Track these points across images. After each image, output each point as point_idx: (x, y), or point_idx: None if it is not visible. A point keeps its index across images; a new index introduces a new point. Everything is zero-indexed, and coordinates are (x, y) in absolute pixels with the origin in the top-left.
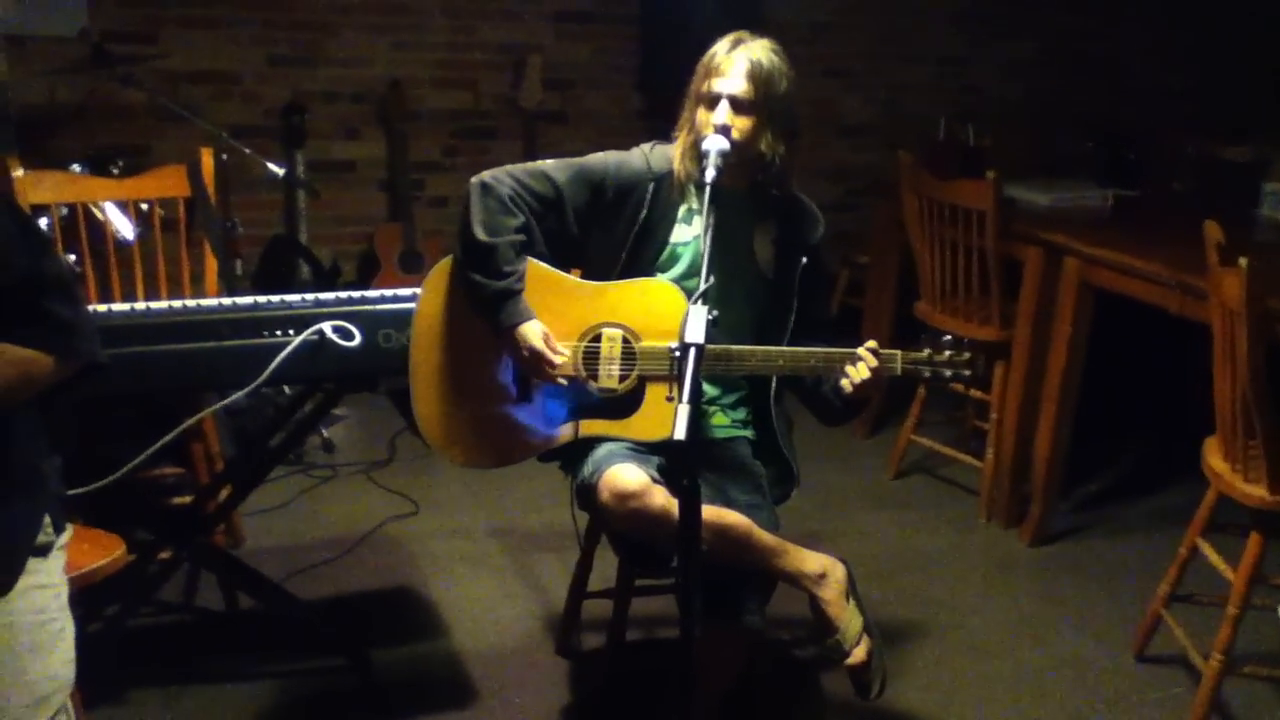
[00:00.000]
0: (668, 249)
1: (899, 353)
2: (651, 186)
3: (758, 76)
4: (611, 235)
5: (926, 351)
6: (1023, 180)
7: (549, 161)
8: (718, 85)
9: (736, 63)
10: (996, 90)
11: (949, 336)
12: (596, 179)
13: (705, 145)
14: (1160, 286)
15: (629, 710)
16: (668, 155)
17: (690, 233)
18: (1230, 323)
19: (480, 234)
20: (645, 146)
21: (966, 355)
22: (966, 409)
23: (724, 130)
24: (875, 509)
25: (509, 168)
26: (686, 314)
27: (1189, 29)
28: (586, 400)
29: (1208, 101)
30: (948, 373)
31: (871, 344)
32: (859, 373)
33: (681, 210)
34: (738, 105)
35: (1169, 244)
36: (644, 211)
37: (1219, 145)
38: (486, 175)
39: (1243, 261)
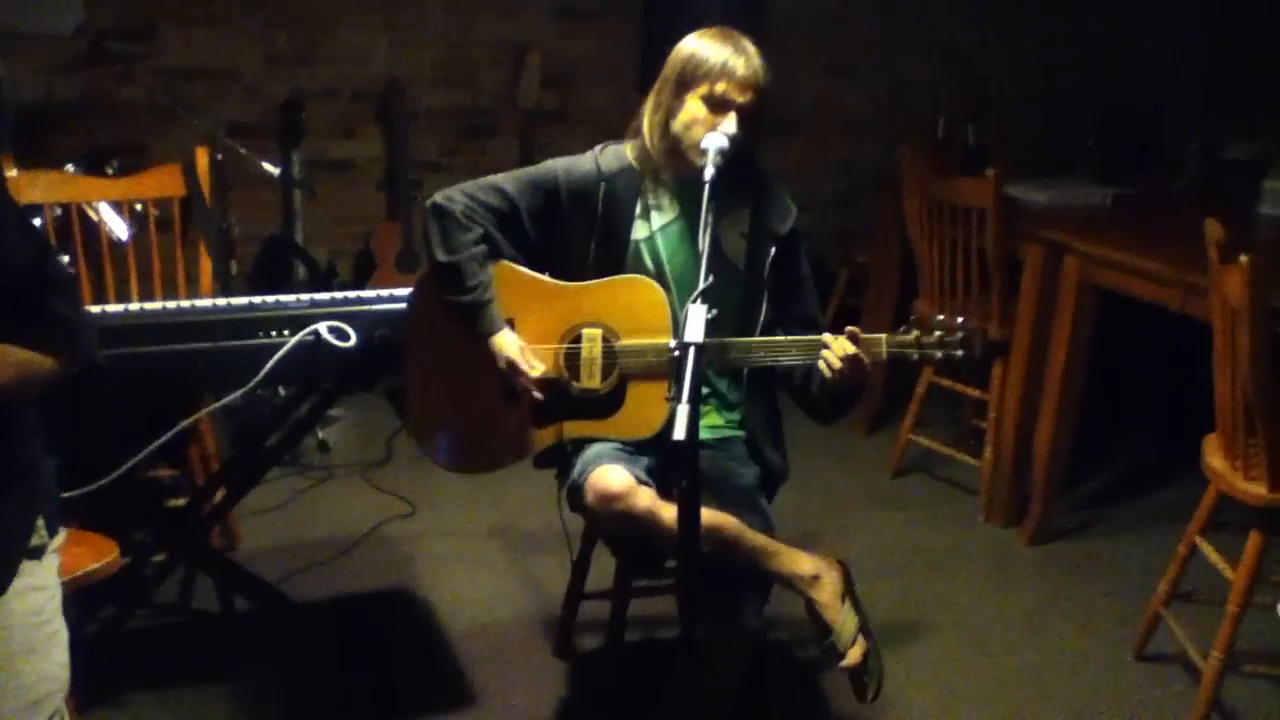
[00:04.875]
0: (631, 246)
1: (884, 336)
2: (603, 187)
3: (761, 87)
4: (573, 242)
5: (914, 334)
6: (1023, 178)
7: (500, 175)
8: (734, 94)
9: (751, 75)
10: (1002, 88)
11: (941, 318)
12: (550, 185)
13: (705, 144)
14: (1160, 284)
15: (628, 711)
16: (619, 154)
17: (650, 227)
18: (1231, 320)
19: (440, 255)
20: (597, 148)
21: (959, 335)
22: (966, 408)
23: (732, 138)
24: (875, 508)
25: (460, 186)
26: (685, 311)
27: (1202, 28)
28: (569, 401)
29: (1220, 102)
30: (938, 354)
31: (851, 329)
32: (833, 359)
33: (639, 207)
34: (743, 115)
35: (1169, 241)
36: (599, 213)
37: (1221, 143)
38: (438, 196)
39: (1244, 258)
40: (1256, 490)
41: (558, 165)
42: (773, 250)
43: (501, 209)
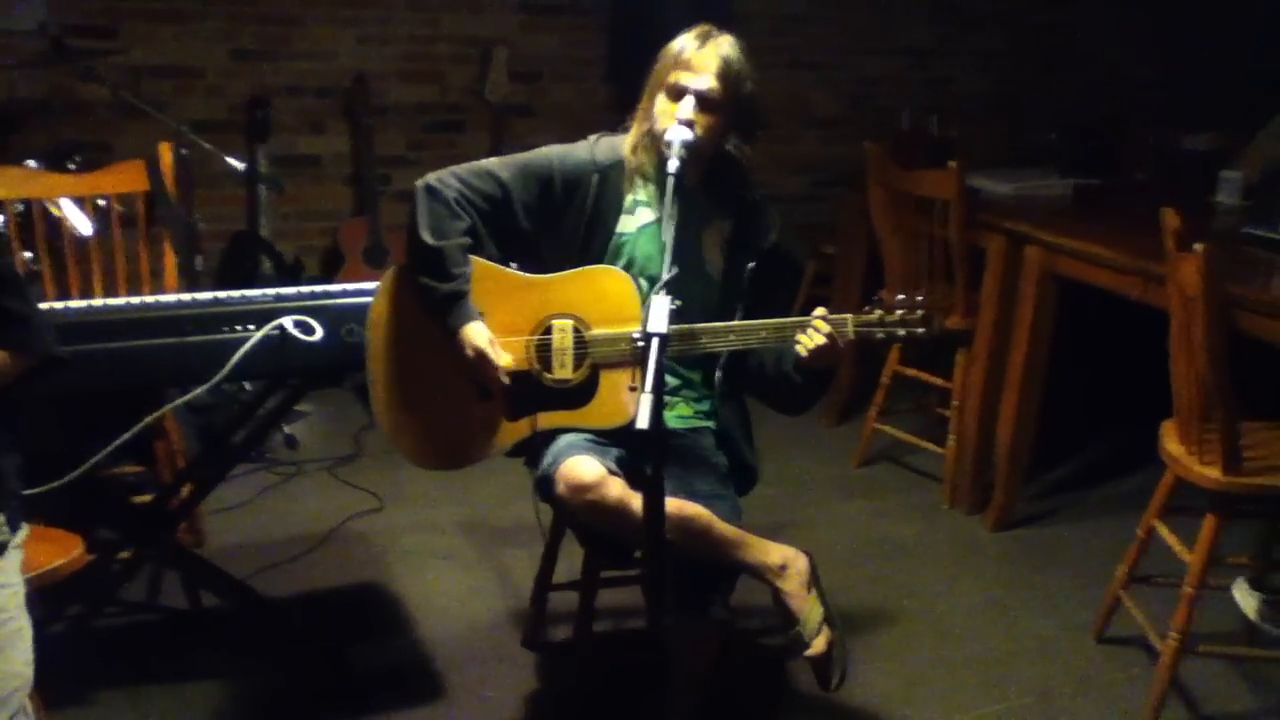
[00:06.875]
0: (613, 239)
1: (850, 316)
2: (596, 178)
3: (728, 76)
4: (563, 230)
5: (878, 313)
6: (986, 170)
7: (494, 160)
8: (686, 80)
9: (708, 60)
10: (965, 83)
11: (902, 296)
12: (543, 173)
13: (668, 136)
14: (1120, 273)
15: (597, 702)
16: (614, 146)
17: (634, 223)
18: (1188, 308)
19: (427, 238)
20: (592, 138)
21: (920, 314)
22: (931, 396)
23: (688, 124)
24: (841, 497)
25: (454, 169)
26: (649, 303)
27: (1159, 21)
28: (543, 393)
29: (1178, 94)
30: (901, 332)
31: (820, 311)
32: (813, 339)
33: (628, 200)
34: (704, 103)
35: (1129, 231)
36: (590, 203)
37: (1180, 135)
38: (431, 178)
39: (1199, 247)
40: (1212, 474)
41: (552, 153)
42: (752, 264)
43: (494, 195)
